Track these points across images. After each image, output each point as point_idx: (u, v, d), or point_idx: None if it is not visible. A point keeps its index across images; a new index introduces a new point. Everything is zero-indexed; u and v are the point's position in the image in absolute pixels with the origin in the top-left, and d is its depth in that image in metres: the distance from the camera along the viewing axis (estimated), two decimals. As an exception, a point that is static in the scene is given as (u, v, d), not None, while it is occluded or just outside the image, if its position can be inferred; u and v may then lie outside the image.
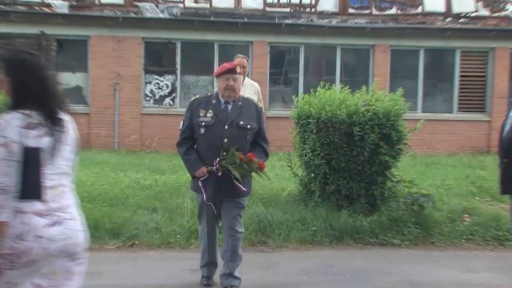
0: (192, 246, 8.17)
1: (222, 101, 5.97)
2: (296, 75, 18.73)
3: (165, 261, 7.72)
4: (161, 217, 8.99)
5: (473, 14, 19.83)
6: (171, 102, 18.50)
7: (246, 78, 9.65)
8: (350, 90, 9.56)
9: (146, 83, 18.39)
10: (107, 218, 8.68)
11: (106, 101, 17.94)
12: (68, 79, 18.11)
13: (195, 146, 6.16)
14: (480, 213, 9.59)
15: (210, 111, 5.90)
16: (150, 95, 18.45)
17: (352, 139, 8.67)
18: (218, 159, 5.82)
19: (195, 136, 6.10)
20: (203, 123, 5.90)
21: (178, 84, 18.43)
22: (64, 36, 17.90)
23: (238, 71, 5.89)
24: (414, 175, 10.99)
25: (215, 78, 6.38)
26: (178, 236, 8.47)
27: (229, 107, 5.97)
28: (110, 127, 17.93)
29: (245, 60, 9.47)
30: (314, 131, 8.87)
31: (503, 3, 21.16)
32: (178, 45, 18.35)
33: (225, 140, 5.84)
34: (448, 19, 19.64)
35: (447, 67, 19.26)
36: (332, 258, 7.86)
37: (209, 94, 6.19)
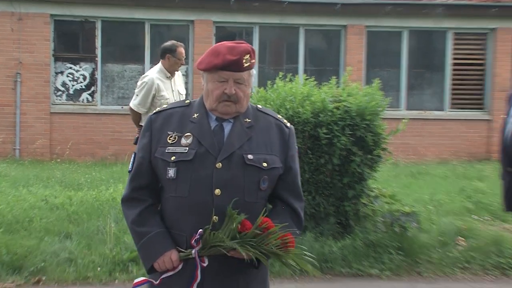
0: (116, 281, 8.14)
1: (213, 116, 3.75)
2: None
3: None
4: (76, 245, 8.91)
5: (469, -13, 20.19)
6: (89, 98, 18.37)
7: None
8: (316, 82, 9.68)
9: (56, 73, 18.25)
10: (4, 247, 8.53)
11: (3, 96, 17.73)
12: (-48, 68, 18.01)
13: (158, 206, 3.90)
14: (478, 236, 9.76)
15: (189, 133, 3.67)
16: (62, 89, 18.30)
17: (319, 144, 8.76)
18: (200, 231, 3.59)
19: (158, 184, 3.83)
20: (173, 158, 3.63)
21: (98, 75, 18.31)
22: None
23: (247, 64, 3.66)
24: (397, 189, 11.17)
25: (202, 74, 3.82)
26: (99, 268, 8.38)
27: (227, 127, 3.73)
28: (10, 130, 17.73)
29: (183, 49, 9.58)
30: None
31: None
32: (98, 25, 18.24)
33: (217, 191, 3.59)
34: (439, -7, 19.97)
35: (437, 53, 19.61)
36: (295, 293, 7.93)
37: (186, 101, 3.92)
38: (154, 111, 3.90)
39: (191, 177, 3.61)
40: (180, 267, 3.63)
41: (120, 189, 11.59)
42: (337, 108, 8.91)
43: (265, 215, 3.62)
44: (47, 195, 11.35)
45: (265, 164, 3.66)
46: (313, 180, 8.80)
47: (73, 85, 18.31)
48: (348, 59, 18.41)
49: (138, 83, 9.44)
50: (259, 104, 4.02)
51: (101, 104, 18.25)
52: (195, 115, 3.75)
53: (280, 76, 9.90)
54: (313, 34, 19.14)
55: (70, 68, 18.30)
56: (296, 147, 3.95)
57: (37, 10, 17.75)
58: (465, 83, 19.46)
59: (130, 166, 3.96)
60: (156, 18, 18.36)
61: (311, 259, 3.66)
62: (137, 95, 9.29)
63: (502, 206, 6.98)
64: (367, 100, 9.07)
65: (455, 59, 19.42)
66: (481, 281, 8.84)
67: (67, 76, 18.30)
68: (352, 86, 9.57)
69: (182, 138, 3.67)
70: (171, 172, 3.63)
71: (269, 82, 9.92)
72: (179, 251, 3.63)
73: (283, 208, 3.83)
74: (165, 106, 3.96)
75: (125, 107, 17.66)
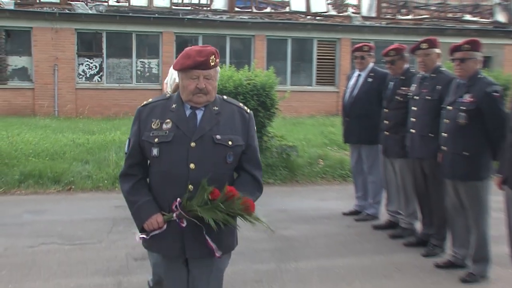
0: (116, 189, 8.03)
1: (188, 106, 3.05)
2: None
3: (95, 201, 7.62)
4: (92, 167, 8.86)
5: (325, 13, 20.16)
6: (99, 79, 17.83)
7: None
8: (236, 68, 9.58)
9: (79, 64, 17.65)
10: (49, 169, 8.46)
11: (47, 78, 17.14)
12: (15, 61, 17.31)
13: (148, 180, 3.21)
14: (330, 158, 9.93)
15: (168, 120, 3.02)
16: (82, 74, 17.73)
17: (238, 105, 8.67)
18: (179, 200, 2.94)
19: (147, 161, 3.15)
20: (156, 140, 2.98)
21: (104, 65, 17.79)
22: (11, 27, 17.04)
23: (212, 63, 2.96)
24: (284, 132, 11.15)
25: (176, 73, 3.29)
26: (105, 181, 8.41)
27: (199, 114, 3.04)
28: (51, 99, 17.16)
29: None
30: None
31: (345, 6, 21.64)
32: (104, 35, 17.70)
33: (192, 165, 2.94)
34: (308, 16, 19.88)
35: (308, 52, 19.53)
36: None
37: (167, 95, 3.22)
38: (142, 104, 3.13)
39: (171, 154, 2.94)
40: (164, 227, 2.97)
41: (118, 134, 11.51)
42: (249, 83, 8.86)
43: (232, 184, 3.02)
44: (74, 138, 11.12)
45: (230, 143, 2.97)
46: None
47: (89, 72, 17.77)
48: (256, 55, 18.24)
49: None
50: (224, 96, 3.18)
51: (106, 83, 17.76)
52: (174, 106, 3.03)
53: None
54: (235, 40, 18.84)
55: (87, 61, 17.73)
56: (255, 127, 3.21)
57: (67, 26, 17.15)
58: (324, 70, 19.50)
59: (126, 149, 3.14)
60: (139, 30, 17.85)
61: (264, 219, 2.99)
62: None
63: (342, 140, 7.12)
64: (266, 79, 9.04)
65: (318, 56, 19.43)
66: (332, 185, 8.98)
67: (85, 66, 17.73)
68: (258, 71, 9.51)
69: (164, 124, 2.97)
70: (155, 151, 2.95)
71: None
72: (163, 215, 2.97)
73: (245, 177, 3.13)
74: (150, 100, 3.15)
75: (121, 85, 17.58)
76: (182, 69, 2.95)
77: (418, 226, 5.98)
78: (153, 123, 2.99)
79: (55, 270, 4.93)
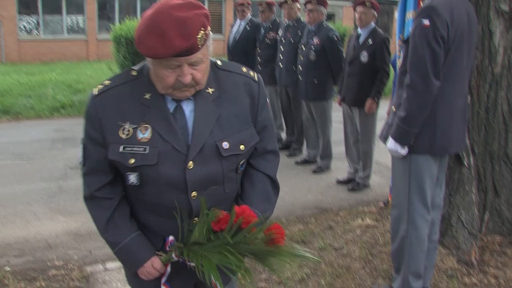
0: (54, 117, 7.44)
1: (168, 97, 1.17)
2: (113, 14, 16.73)
3: (38, 127, 6.96)
4: (34, 101, 8.05)
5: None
6: (37, 32, 15.72)
7: None
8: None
9: (19, 20, 15.36)
10: (0, 103, 7.68)
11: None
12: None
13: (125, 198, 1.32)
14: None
15: (145, 124, 1.14)
16: (23, 28, 15.51)
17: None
18: (171, 238, 1.25)
19: (121, 174, 1.24)
20: (132, 161, 1.14)
21: (41, 21, 15.62)
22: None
23: (201, 42, 1.09)
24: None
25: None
26: (46, 111, 7.68)
27: (187, 107, 1.19)
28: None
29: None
30: (124, 45, 7.92)
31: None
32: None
33: (194, 193, 1.20)
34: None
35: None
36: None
37: (133, 73, 1.19)
38: (97, 92, 1.23)
39: (159, 182, 1.22)
40: (169, 268, 1.33)
41: (54, 75, 10.47)
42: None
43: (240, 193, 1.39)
44: (18, 78, 9.89)
45: (242, 147, 1.28)
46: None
47: (28, 26, 15.60)
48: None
49: None
50: (218, 60, 1.31)
51: (43, 35, 15.71)
52: (147, 96, 1.21)
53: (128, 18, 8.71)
54: (144, 1, 17.36)
55: (26, 18, 15.50)
56: (267, 98, 1.43)
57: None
58: (213, 23, 18.53)
59: (81, 159, 1.29)
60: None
61: (307, 251, 1.28)
62: None
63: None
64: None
65: (210, 12, 18.21)
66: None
67: (25, 22, 15.53)
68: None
69: (138, 131, 1.20)
70: (133, 178, 1.23)
71: (122, 23, 8.75)
72: (160, 255, 1.33)
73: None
74: (107, 82, 1.24)
75: (55, 36, 15.67)
76: (151, 57, 1.16)
77: (284, 135, 5.87)
78: (120, 130, 1.22)
79: (11, 179, 4.62)
